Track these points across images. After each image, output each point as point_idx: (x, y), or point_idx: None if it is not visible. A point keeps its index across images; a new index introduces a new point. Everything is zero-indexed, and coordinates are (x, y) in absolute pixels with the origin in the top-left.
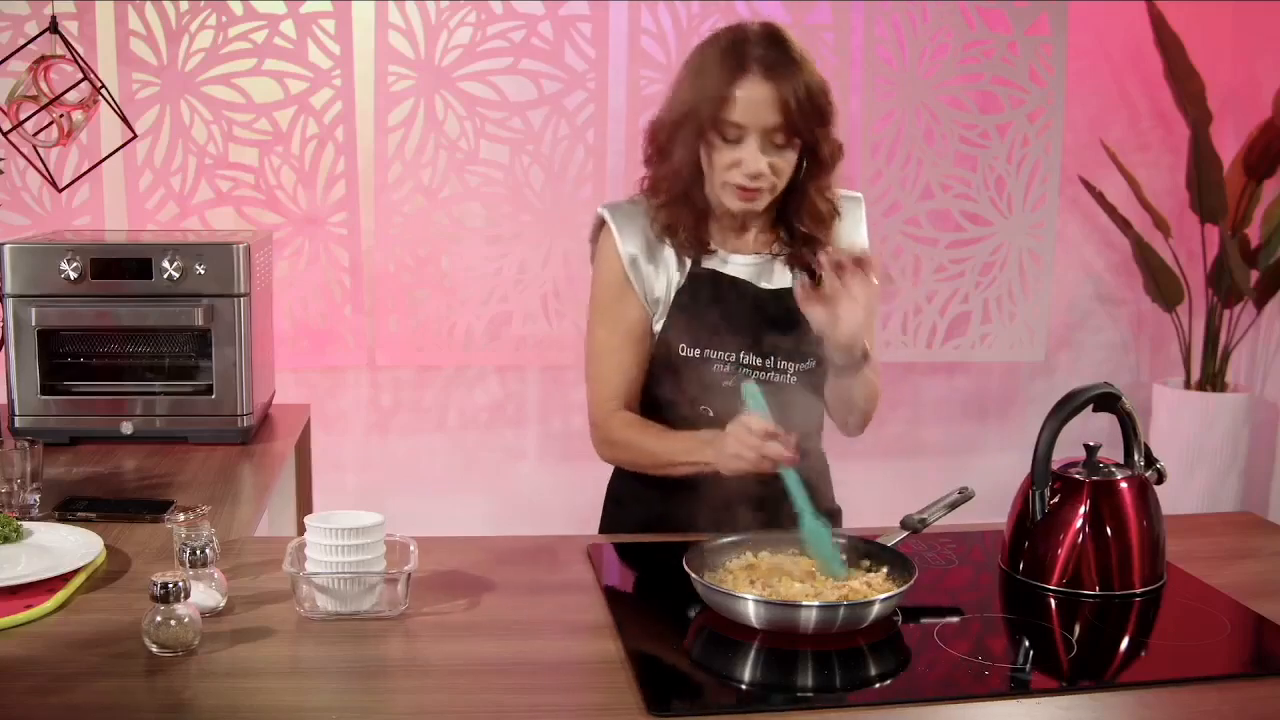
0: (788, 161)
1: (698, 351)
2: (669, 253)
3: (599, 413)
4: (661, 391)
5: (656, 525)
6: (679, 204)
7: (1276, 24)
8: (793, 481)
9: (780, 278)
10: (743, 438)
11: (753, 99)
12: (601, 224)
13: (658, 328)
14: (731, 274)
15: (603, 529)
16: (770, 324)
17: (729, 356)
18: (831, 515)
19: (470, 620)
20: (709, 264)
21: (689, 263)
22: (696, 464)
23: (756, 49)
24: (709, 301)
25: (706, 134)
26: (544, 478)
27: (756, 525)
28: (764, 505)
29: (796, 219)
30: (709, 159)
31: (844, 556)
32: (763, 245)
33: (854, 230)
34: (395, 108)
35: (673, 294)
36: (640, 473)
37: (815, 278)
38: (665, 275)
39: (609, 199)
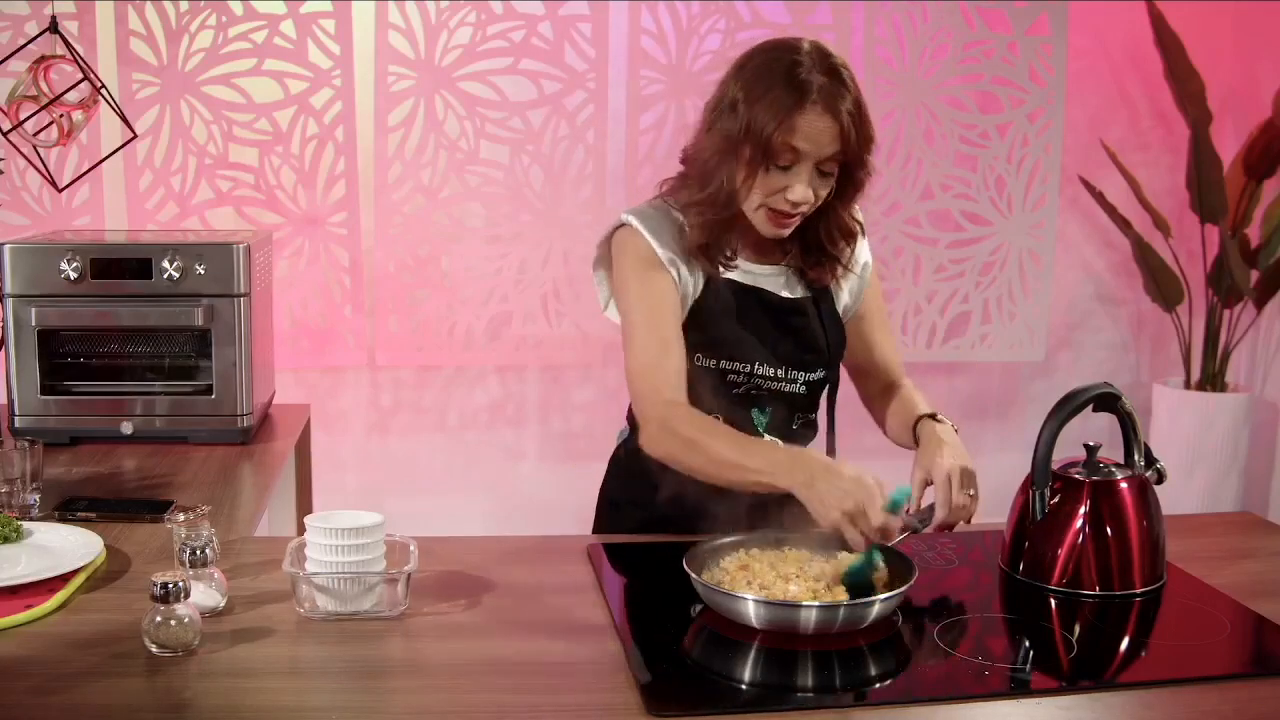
0: (828, 189)
1: (714, 363)
2: (691, 261)
3: (655, 402)
4: None
5: (654, 529)
6: (719, 224)
7: (1276, 24)
8: (876, 558)
9: (797, 288)
10: (861, 522)
11: (815, 128)
12: (618, 228)
13: None
14: (750, 284)
15: (597, 533)
16: (786, 334)
17: (744, 367)
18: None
19: (470, 620)
20: (730, 274)
21: (710, 272)
22: (773, 485)
23: (818, 76)
24: (727, 312)
25: (759, 159)
26: (544, 478)
27: (755, 528)
28: (766, 511)
29: (827, 238)
30: (753, 181)
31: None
32: (776, 256)
33: (862, 247)
34: (395, 108)
35: (691, 303)
36: (639, 477)
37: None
38: (693, 281)
39: (609, 199)
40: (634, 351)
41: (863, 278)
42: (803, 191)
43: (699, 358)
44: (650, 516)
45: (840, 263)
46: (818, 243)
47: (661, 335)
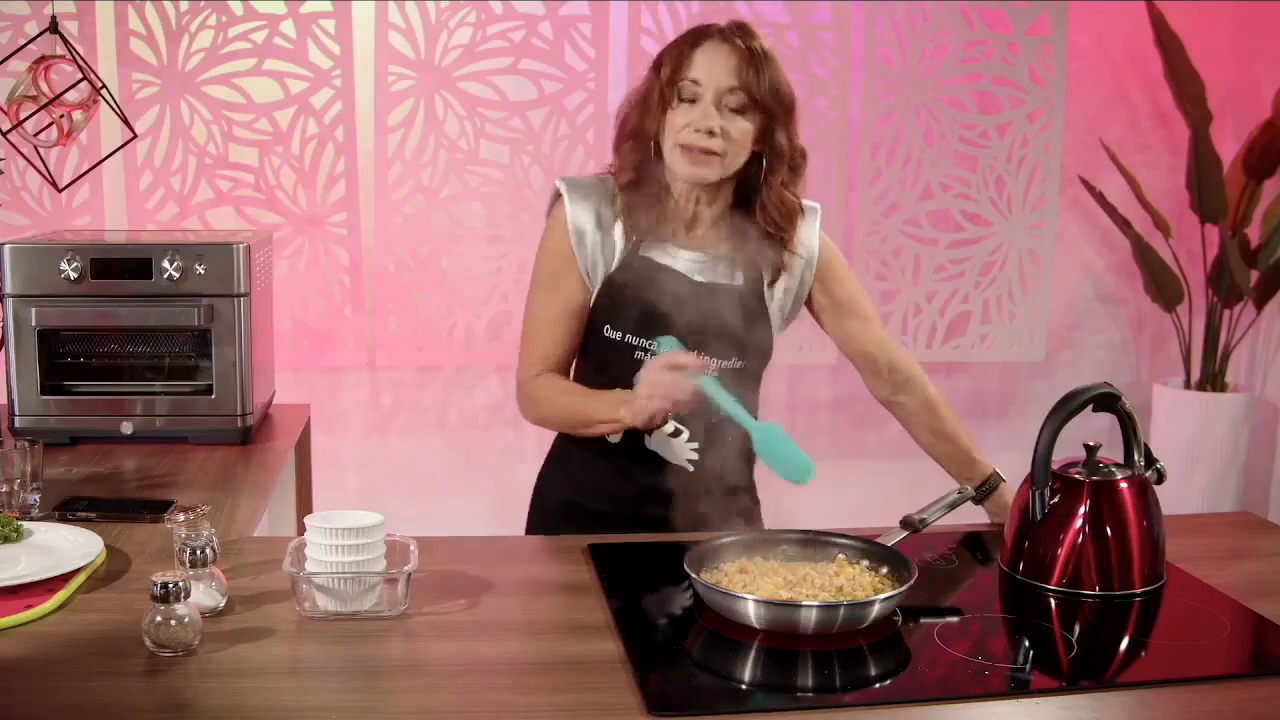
0: (740, 131)
1: (620, 335)
2: (618, 233)
3: (526, 374)
4: (584, 367)
5: (573, 511)
6: (640, 186)
7: (1276, 24)
8: (713, 388)
9: (721, 275)
10: (651, 370)
11: (710, 58)
12: (557, 196)
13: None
14: (668, 264)
15: (529, 518)
16: (700, 318)
17: (652, 345)
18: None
19: (470, 620)
20: (650, 252)
21: (632, 246)
22: (611, 422)
23: (720, 27)
24: (639, 287)
25: (665, 94)
26: None
27: (661, 508)
28: (668, 492)
29: (762, 214)
30: (666, 124)
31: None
32: (711, 244)
33: (809, 235)
34: (395, 108)
35: (605, 273)
36: (558, 457)
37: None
38: (608, 254)
39: None
40: (526, 330)
41: (809, 265)
42: (706, 120)
43: (608, 329)
44: (568, 500)
45: (783, 245)
46: (745, 225)
47: (553, 327)
